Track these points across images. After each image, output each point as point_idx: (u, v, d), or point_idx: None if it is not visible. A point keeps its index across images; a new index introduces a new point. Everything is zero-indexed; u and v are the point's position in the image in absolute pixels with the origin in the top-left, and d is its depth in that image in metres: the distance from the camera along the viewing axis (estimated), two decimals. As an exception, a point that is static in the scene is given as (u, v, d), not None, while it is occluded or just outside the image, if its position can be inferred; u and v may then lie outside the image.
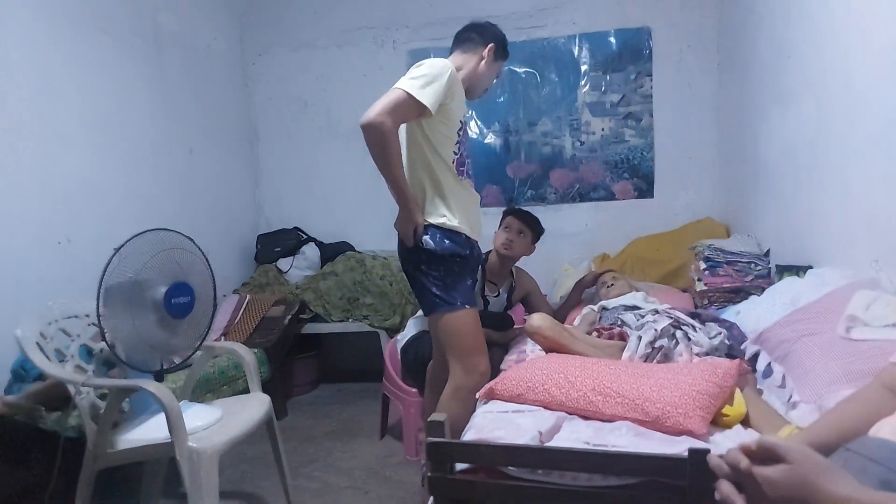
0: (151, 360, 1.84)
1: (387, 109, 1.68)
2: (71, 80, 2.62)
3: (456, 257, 1.87)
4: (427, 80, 1.74)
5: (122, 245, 1.74)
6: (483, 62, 1.97)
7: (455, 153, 1.90)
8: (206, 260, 1.96)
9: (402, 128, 1.87)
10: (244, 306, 3.34)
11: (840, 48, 1.94)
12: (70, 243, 2.56)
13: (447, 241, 1.86)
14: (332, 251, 3.78)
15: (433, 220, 1.86)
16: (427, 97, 1.73)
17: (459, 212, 1.89)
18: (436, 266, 1.86)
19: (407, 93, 1.71)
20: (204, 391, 2.45)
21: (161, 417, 1.66)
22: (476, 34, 1.98)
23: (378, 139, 1.69)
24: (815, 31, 2.13)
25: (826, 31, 2.04)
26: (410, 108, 1.74)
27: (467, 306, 1.88)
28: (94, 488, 1.77)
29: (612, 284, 2.51)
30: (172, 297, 1.82)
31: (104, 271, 1.69)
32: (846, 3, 1.89)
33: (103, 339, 1.73)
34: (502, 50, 2.02)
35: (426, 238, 1.85)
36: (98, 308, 1.68)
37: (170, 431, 1.63)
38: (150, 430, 1.76)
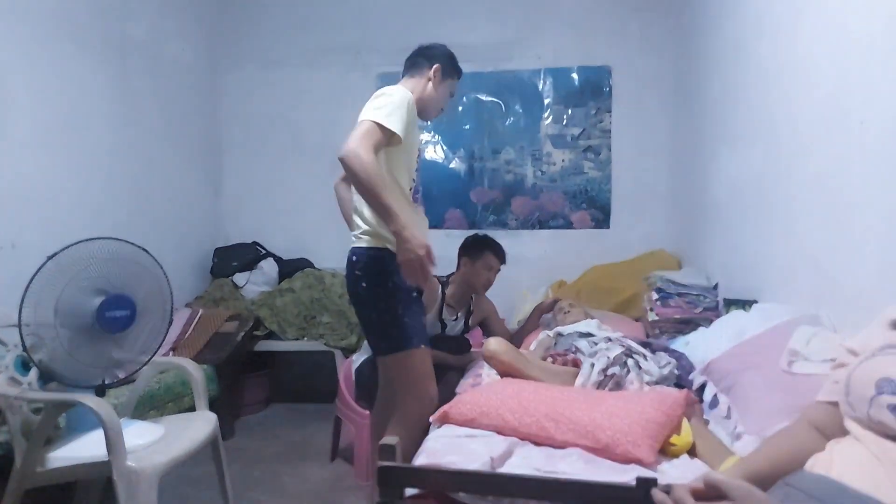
0: (89, 374, 1.75)
1: (360, 140, 1.68)
2: (25, 81, 2.53)
3: (414, 288, 1.87)
4: (391, 107, 1.76)
5: (57, 253, 1.68)
6: (430, 83, 1.98)
7: (413, 181, 1.94)
8: (164, 273, 1.90)
9: None
10: (196, 321, 3.24)
11: (786, 96, 2.06)
12: (14, 249, 2.45)
13: None
14: (290, 267, 3.72)
15: (392, 246, 1.84)
16: (395, 124, 1.75)
17: None
18: (397, 298, 1.83)
19: (375, 123, 1.73)
20: (147, 408, 2.35)
21: (99, 434, 1.58)
22: (422, 57, 2.01)
23: (359, 166, 1.65)
24: (763, 78, 2.25)
25: (773, 79, 2.16)
26: (382, 136, 1.75)
27: (423, 346, 1.87)
28: (21, 509, 1.67)
29: (569, 311, 2.56)
30: (107, 311, 1.74)
31: (31, 279, 1.62)
32: (792, 54, 2.01)
33: (24, 349, 1.65)
34: (451, 68, 2.02)
35: (388, 260, 1.83)
36: (20, 317, 1.60)
37: (108, 449, 1.56)
38: (85, 448, 1.68)
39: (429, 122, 2.11)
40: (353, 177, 1.68)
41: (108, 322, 1.75)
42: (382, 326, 1.85)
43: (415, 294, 1.90)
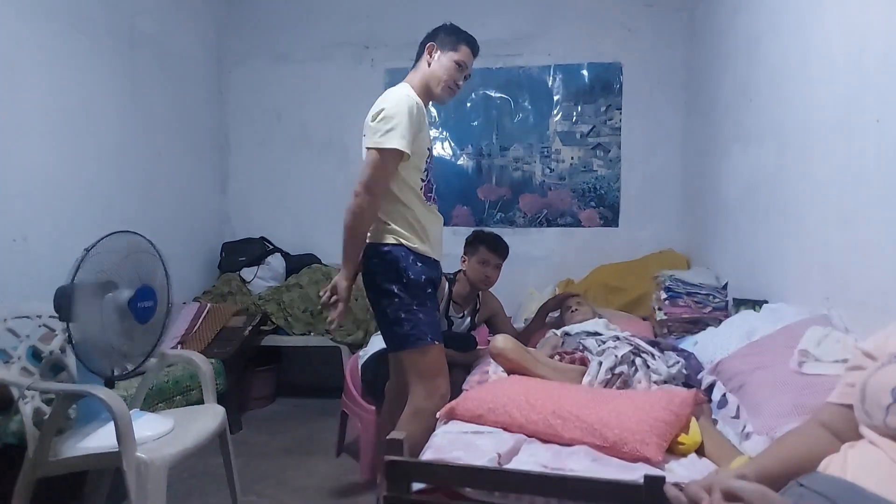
0: (106, 364, 1.78)
1: (368, 180, 1.77)
2: (36, 74, 2.55)
3: (428, 284, 1.89)
4: (392, 125, 1.77)
5: (94, 245, 1.71)
6: (430, 63, 1.97)
7: (423, 180, 1.93)
8: (165, 266, 1.92)
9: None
10: (204, 315, 3.26)
11: (800, 93, 2.04)
12: (25, 241, 2.47)
13: (419, 264, 1.87)
14: (297, 263, 3.73)
15: (407, 242, 1.87)
16: (398, 142, 1.77)
17: (429, 236, 1.93)
18: (411, 293, 1.85)
19: (380, 150, 1.77)
20: (156, 400, 2.37)
21: (109, 426, 1.59)
22: (420, 45, 2.01)
23: (355, 208, 1.79)
24: (777, 76, 2.23)
25: (787, 76, 2.14)
26: (391, 160, 1.79)
27: (436, 342, 1.87)
28: (31, 498, 1.68)
29: (576, 309, 2.55)
30: (139, 301, 1.78)
31: (76, 268, 1.66)
32: (807, 51, 1.99)
33: (69, 340, 1.67)
34: (449, 39, 1.97)
35: (403, 256, 1.85)
36: (61, 307, 1.64)
37: (118, 440, 1.57)
38: (96, 439, 1.69)
39: (445, 104, 2.11)
40: (348, 208, 1.80)
41: (140, 312, 1.79)
42: (396, 322, 1.85)
43: (430, 290, 1.90)
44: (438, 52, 1.96)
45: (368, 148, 1.80)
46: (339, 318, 1.88)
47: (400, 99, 1.82)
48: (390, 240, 1.86)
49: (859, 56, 1.66)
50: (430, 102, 2.02)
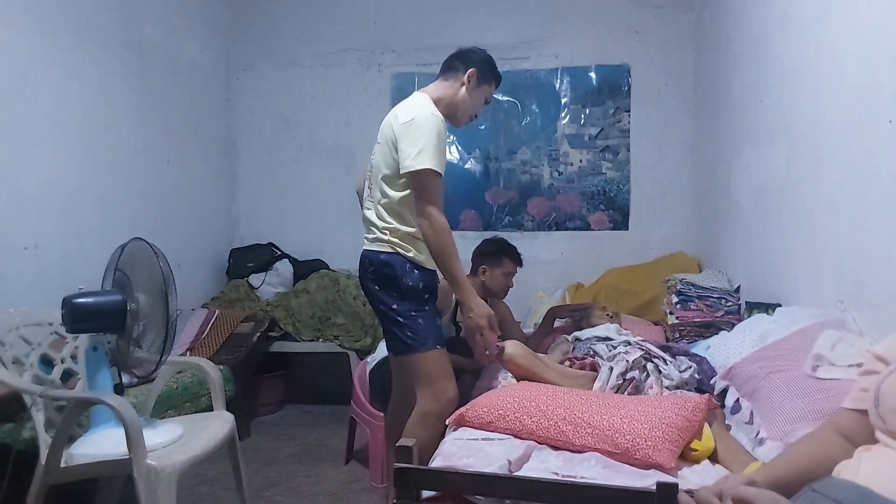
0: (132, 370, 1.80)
1: (430, 199, 1.77)
2: (48, 83, 2.57)
3: (426, 291, 1.88)
4: (431, 145, 1.77)
5: (119, 257, 1.76)
6: (464, 88, 1.96)
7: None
8: (170, 271, 1.93)
9: (381, 163, 1.89)
10: (212, 321, 3.27)
11: (810, 94, 2.02)
12: (37, 249, 2.49)
13: (416, 272, 1.87)
14: (305, 268, 3.73)
15: (404, 252, 1.86)
16: (439, 163, 1.79)
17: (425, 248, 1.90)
18: (410, 300, 1.85)
19: (433, 171, 1.77)
20: (165, 407, 2.37)
21: (119, 433, 1.60)
22: (459, 61, 1.98)
23: (433, 234, 1.77)
24: (787, 76, 2.21)
25: (797, 77, 2.12)
26: (440, 181, 1.80)
27: (438, 346, 1.87)
28: (43, 505, 1.69)
29: (612, 315, 2.50)
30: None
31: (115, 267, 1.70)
32: (818, 51, 1.97)
33: (133, 340, 1.68)
34: (488, 74, 2.00)
35: (399, 265, 1.85)
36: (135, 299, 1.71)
37: (128, 448, 1.57)
38: (107, 446, 1.69)
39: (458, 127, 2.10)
40: (427, 241, 1.79)
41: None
42: (397, 327, 1.86)
43: (427, 296, 1.90)
44: (475, 81, 1.97)
45: (420, 170, 1.76)
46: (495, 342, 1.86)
47: (426, 116, 1.80)
48: (387, 248, 1.87)
49: (870, 55, 1.64)
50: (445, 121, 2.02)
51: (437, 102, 1.91)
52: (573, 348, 2.18)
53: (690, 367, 1.85)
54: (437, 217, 1.77)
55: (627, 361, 1.81)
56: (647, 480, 1.20)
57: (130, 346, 1.78)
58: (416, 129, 1.78)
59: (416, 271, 1.86)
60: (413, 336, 1.84)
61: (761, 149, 2.48)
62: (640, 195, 3.72)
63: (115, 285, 1.83)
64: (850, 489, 0.77)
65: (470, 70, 1.95)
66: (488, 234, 2.75)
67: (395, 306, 1.85)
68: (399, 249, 1.86)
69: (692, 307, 2.59)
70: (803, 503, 0.78)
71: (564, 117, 3.79)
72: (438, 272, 1.90)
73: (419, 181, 1.77)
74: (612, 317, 2.50)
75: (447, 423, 1.62)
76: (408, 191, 1.84)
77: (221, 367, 2.72)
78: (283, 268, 3.75)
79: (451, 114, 1.97)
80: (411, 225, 1.87)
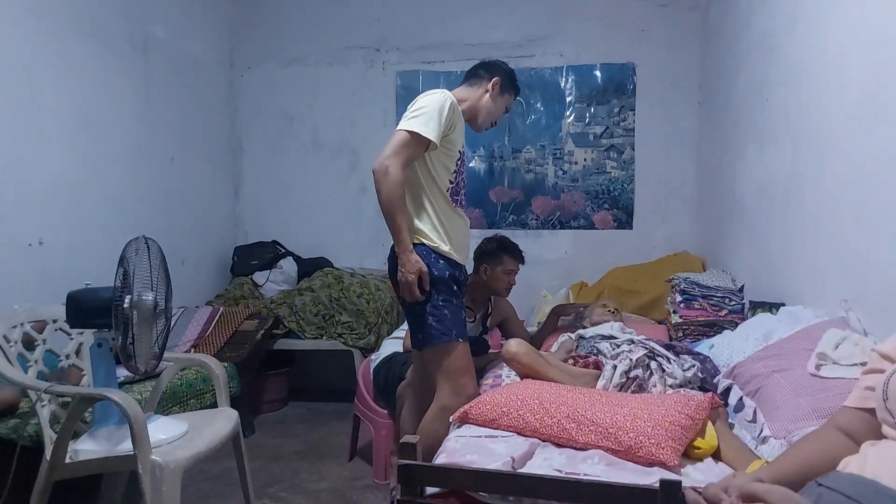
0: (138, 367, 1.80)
1: (393, 153, 1.78)
2: (53, 81, 2.58)
3: (452, 281, 1.90)
4: (427, 114, 1.81)
5: (126, 256, 1.75)
6: (488, 95, 2.03)
7: (451, 182, 1.95)
8: (166, 268, 1.94)
9: None
10: (216, 319, 3.27)
11: (815, 94, 2.01)
12: (42, 246, 2.50)
13: (441, 262, 1.89)
14: (309, 266, 3.74)
15: (429, 242, 1.89)
16: (431, 131, 1.80)
17: (452, 238, 1.94)
18: (437, 290, 1.86)
19: (409, 132, 1.80)
20: (170, 404, 2.38)
21: (124, 429, 1.60)
22: (483, 70, 2.06)
23: (384, 185, 1.78)
24: (792, 76, 2.20)
25: (803, 76, 2.11)
26: (417, 146, 1.82)
27: (461, 339, 1.88)
28: (48, 500, 1.70)
29: (614, 311, 2.52)
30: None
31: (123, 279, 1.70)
32: (824, 50, 1.96)
33: (132, 336, 1.70)
34: (510, 84, 2.08)
35: (424, 255, 1.87)
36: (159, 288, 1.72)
37: (133, 444, 1.58)
38: (112, 442, 1.70)
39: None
40: (377, 192, 1.80)
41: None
42: (422, 318, 1.87)
43: (455, 288, 1.91)
44: (499, 89, 2.04)
45: (399, 130, 1.82)
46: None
47: (439, 95, 1.86)
48: (413, 239, 1.88)
49: (877, 55, 1.63)
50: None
51: (460, 103, 1.96)
52: (577, 347, 2.19)
53: (694, 366, 1.85)
54: (396, 172, 1.78)
55: (631, 360, 1.81)
56: (650, 478, 1.20)
57: (128, 342, 1.78)
58: (420, 100, 1.86)
59: (442, 261, 1.89)
60: (438, 326, 1.85)
61: (766, 148, 2.47)
62: (645, 194, 3.72)
63: (121, 282, 1.83)
64: (856, 483, 0.78)
65: (495, 79, 2.03)
66: (492, 233, 2.75)
67: (420, 299, 1.86)
68: (424, 240, 1.89)
69: (696, 306, 2.58)
70: (810, 497, 0.78)
71: (569, 116, 3.79)
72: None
73: (397, 138, 1.81)
74: (613, 312, 2.50)
75: (451, 420, 1.62)
76: (422, 179, 1.88)
77: (226, 364, 2.73)
78: (288, 265, 3.76)
79: (473, 117, 2.04)
80: (430, 218, 1.90)
